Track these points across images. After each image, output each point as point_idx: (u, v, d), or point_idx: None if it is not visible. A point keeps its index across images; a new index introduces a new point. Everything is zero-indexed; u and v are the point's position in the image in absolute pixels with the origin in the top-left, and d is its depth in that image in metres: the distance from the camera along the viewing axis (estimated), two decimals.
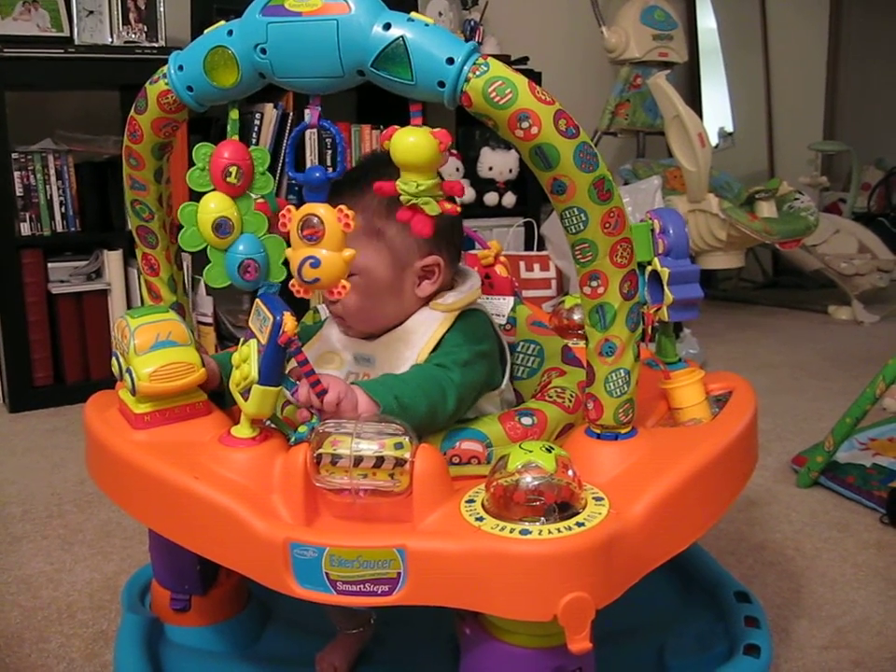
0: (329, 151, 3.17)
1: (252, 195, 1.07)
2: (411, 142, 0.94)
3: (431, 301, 1.20)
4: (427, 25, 0.90)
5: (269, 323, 0.98)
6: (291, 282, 1.03)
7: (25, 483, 2.19)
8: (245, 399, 1.01)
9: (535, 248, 3.56)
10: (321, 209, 0.99)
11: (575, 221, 0.95)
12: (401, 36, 0.89)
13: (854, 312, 3.90)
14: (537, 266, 3.33)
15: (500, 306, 1.39)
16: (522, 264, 3.30)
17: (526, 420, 1.12)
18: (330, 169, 1.03)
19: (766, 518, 1.91)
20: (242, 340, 1.04)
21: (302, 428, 1.03)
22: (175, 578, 1.30)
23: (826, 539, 1.81)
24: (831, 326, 3.87)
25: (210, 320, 2.99)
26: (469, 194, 3.54)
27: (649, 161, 3.87)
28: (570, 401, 1.18)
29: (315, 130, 3.04)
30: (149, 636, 1.29)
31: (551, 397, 1.19)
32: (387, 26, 0.90)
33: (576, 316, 1.47)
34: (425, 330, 1.17)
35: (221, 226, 1.05)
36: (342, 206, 0.99)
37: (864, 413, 1.97)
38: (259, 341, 1.00)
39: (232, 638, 1.33)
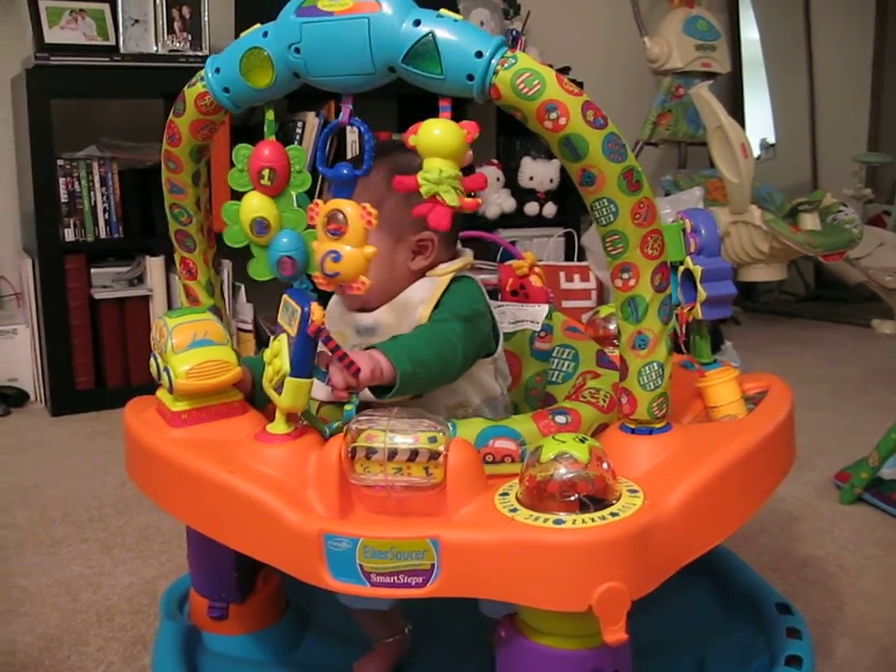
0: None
1: (292, 192, 1.08)
2: (438, 128, 0.95)
3: (419, 277, 1.22)
4: (455, 21, 0.92)
5: (297, 315, 0.99)
6: (315, 274, 1.05)
7: (66, 486, 2.21)
8: (280, 394, 1.02)
9: (575, 259, 3.55)
10: (347, 206, 1.01)
11: (605, 213, 0.96)
12: (431, 32, 0.91)
13: None
14: (577, 277, 3.31)
15: (535, 313, 1.40)
16: (562, 274, 3.29)
17: (560, 419, 1.11)
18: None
19: (809, 534, 1.88)
20: (271, 338, 1.06)
21: (349, 407, 1.05)
22: (212, 586, 1.30)
23: (870, 557, 1.78)
24: (874, 340, 3.81)
25: (250, 327, 3.01)
26: (510, 204, 3.54)
27: (690, 172, 3.85)
28: (605, 401, 1.18)
29: (356, 135, 3.09)
30: (187, 644, 1.29)
31: (585, 397, 1.19)
32: (417, 22, 0.91)
33: (611, 326, 1.46)
34: (422, 296, 1.20)
35: (258, 225, 1.07)
36: (366, 204, 1.00)
37: None
38: (288, 334, 1.02)
39: (270, 647, 1.33)
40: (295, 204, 1.09)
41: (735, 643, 1.35)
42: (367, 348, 1.06)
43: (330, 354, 1.00)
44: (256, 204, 1.07)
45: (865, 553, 1.80)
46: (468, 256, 1.27)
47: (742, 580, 1.47)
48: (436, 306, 1.19)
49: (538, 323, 1.38)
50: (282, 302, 1.05)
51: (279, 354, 1.02)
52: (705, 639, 1.35)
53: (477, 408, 1.22)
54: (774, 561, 1.75)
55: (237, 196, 1.10)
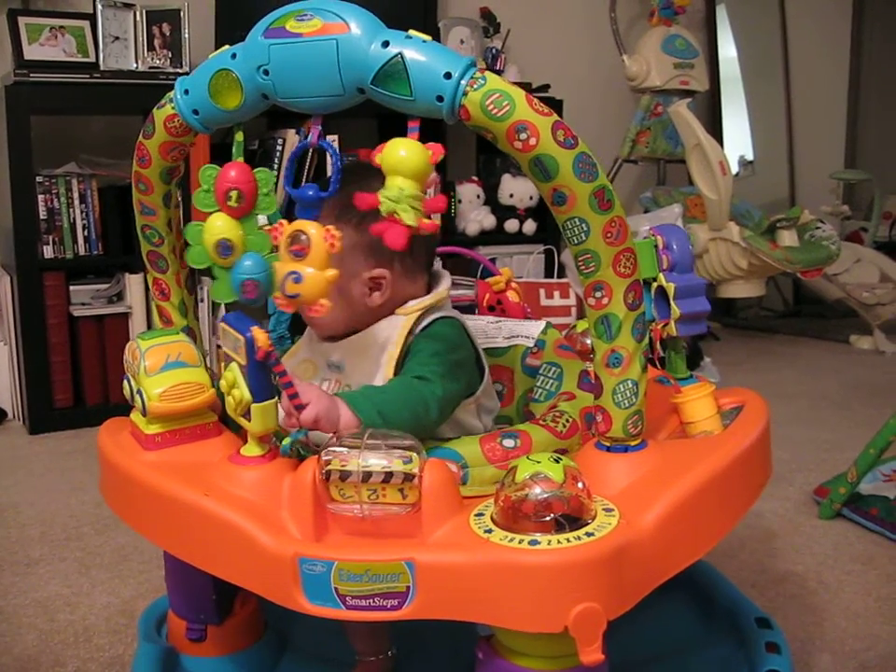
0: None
1: (257, 215, 1.08)
2: (402, 147, 0.94)
3: (397, 308, 1.21)
4: (424, 42, 0.92)
5: (241, 343, 0.98)
6: (275, 294, 1.04)
7: (44, 504, 2.19)
8: (249, 420, 1.02)
9: (555, 275, 3.55)
10: (311, 227, 1.00)
11: (577, 232, 0.96)
12: (399, 53, 0.91)
13: (876, 341, 3.87)
14: (556, 293, 3.32)
15: (530, 328, 1.39)
16: (542, 291, 3.29)
17: (508, 442, 1.10)
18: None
19: (788, 550, 1.89)
20: (222, 365, 1.05)
21: (286, 441, 1.03)
22: (190, 607, 1.29)
23: (849, 572, 1.78)
24: (853, 355, 3.84)
25: None
26: (490, 221, 3.55)
27: (669, 189, 3.87)
28: (564, 427, 1.15)
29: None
30: (165, 666, 1.27)
31: (545, 420, 1.17)
32: (386, 44, 0.91)
33: (588, 341, 1.44)
34: (387, 335, 1.18)
35: (222, 246, 1.06)
36: (329, 227, 1.00)
37: (888, 444, 1.95)
38: (238, 363, 1.00)
39: (248, 668, 1.32)
40: (262, 225, 1.08)
41: (715, 658, 1.35)
42: (337, 394, 1.06)
43: (278, 378, 0.99)
44: (220, 226, 1.06)
45: (844, 568, 1.80)
46: (441, 290, 1.24)
47: (722, 594, 1.47)
48: (408, 349, 1.17)
49: (532, 339, 1.38)
50: (221, 330, 1.03)
51: (235, 384, 1.01)
52: (685, 654, 1.35)
53: None
54: (753, 576, 1.76)
55: (202, 217, 1.09)
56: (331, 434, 1.01)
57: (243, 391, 1.00)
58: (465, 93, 0.90)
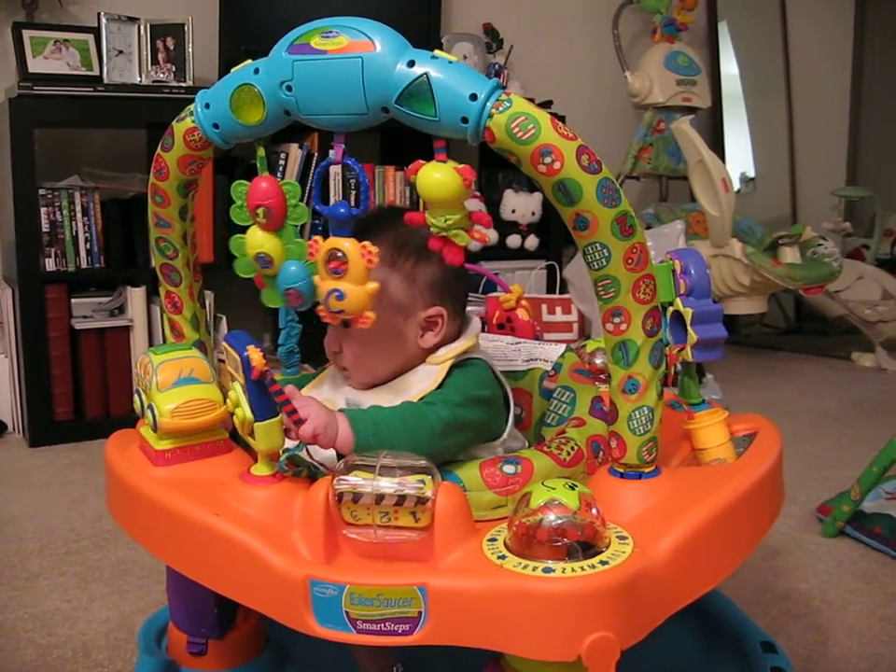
0: (354, 191, 3.19)
1: (292, 225, 1.10)
2: (437, 178, 0.94)
3: (428, 355, 1.20)
4: (450, 63, 0.91)
5: (239, 363, 0.99)
6: (319, 308, 1.05)
7: (43, 518, 2.18)
8: (255, 439, 1.02)
9: (557, 291, 3.55)
10: (346, 243, 1.01)
11: (598, 257, 0.95)
12: (425, 73, 0.90)
13: (878, 359, 3.87)
14: (559, 309, 3.32)
15: (549, 352, 1.38)
16: (544, 307, 3.29)
17: (509, 468, 1.08)
18: (354, 206, 1.07)
19: (791, 568, 1.88)
20: (227, 379, 1.05)
21: (282, 457, 1.03)
22: (191, 621, 1.28)
23: (853, 591, 1.77)
24: (854, 373, 3.83)
25: None
26: (492, 236, 3.54)
27: (671, 206, 3.87)
28: (569, 454, 1.13)
29: (339, 168, 3.10)
30: None
31: (550, 447, 1.15)
32: (411, 63, 0.91)
33: (598, 360, 1.44)
34: (418, 383, 1.17)
35: (261, 260, 1.09)
36: (366, 243, 1.00)
37: (892, 462, 1.94)
38: (239, 381, 1.01)
39: None
40: (296, 237, 1.10)
41: None
42: (340, 410, 1.07)
43: (275, 396, 1.00)
44: (257, 239, 1.09)
45: (848, 586, 1.79)
46: (471, 335, 1.23)
47: (726, 618, 1.45)
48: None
49: (550, 362, 1.37)
50: (224, 349, 1.03)
51: (239, 403, 1.01)
52: None
53: None
54: (756, 594, 1.75)
55: (242, 230, 1.11)
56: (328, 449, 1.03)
57: (245, 410, 1.00)
58: (490, 115, 0.89)
